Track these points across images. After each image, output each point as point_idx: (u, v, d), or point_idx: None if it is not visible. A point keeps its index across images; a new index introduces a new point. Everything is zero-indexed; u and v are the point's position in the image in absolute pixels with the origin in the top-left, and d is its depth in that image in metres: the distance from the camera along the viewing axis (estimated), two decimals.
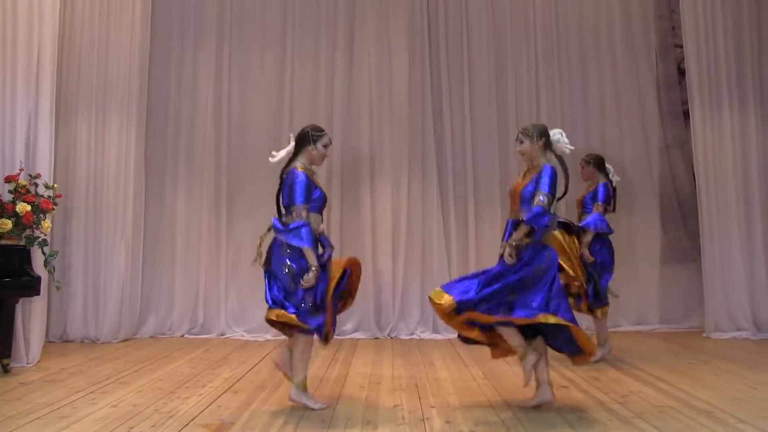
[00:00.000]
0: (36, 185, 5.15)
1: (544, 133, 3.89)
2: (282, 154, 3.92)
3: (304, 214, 3.68)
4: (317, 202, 3.79)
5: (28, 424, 3.50)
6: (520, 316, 3.59)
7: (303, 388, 3.81)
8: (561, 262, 4.85)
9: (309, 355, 3.85)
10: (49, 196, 5.16)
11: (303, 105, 7.06)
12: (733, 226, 6.54)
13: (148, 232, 6.87)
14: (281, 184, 3.84)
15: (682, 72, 7.05)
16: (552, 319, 3.57)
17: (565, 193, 3.91)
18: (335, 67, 7.09)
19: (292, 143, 3.93)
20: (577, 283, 4.96)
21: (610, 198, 5.30)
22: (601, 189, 5.26)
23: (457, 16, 7.22)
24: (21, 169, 5.12)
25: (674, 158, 7.21)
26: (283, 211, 3.80)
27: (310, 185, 3.75)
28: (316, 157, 3.90)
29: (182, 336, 6.74)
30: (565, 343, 3.74)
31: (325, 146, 3.93)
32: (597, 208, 5.21)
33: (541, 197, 3.66)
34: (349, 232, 6.91)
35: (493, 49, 7.18)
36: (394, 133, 7.01)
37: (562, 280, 4.96)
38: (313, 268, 3.61)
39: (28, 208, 4.92)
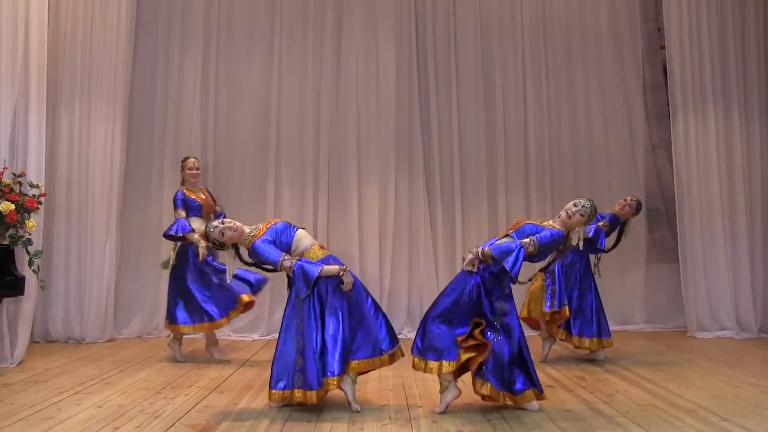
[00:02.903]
0: (20, 184, 5.09)
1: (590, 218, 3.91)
2: (231, 267, 4.00)
3: (288, 264, 3.73)
4: (283, 234, 3.86)
5: (12, 425, 3.47)
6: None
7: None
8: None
9: None
10: (34, 195, 5.11)
11: (290, 105, 7.05)
12: (717, 225, 6.60)
13: (134, 231, 6.82)
14: (258, 261, 3.89)
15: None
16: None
17: (545, 268, 4.08)
18: (323, 68, 7.07)
19: (228, 252, 3.94)
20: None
21: (614, 228, 5.39)
22: (610, 215, 5.38)
23: (444, 18, 7.22)
24: (4, 168, 5.06)
25: (660, 159, 7.27)
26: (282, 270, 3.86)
27: (269, 240, 3.81)
28: (231, 233, 3.85)
29: (168, 336, 6.70)
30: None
31: (222, 230, 3.83)
32: (603, 226, 5.28)
33: (528, 241, 3.69)
34: (336, 233, 6.91)
35: (481, 49, 7.20)
36: (381, 133, 7.01)
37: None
38: (340, 270, 3.74)
39: (12, 207, 4.86)
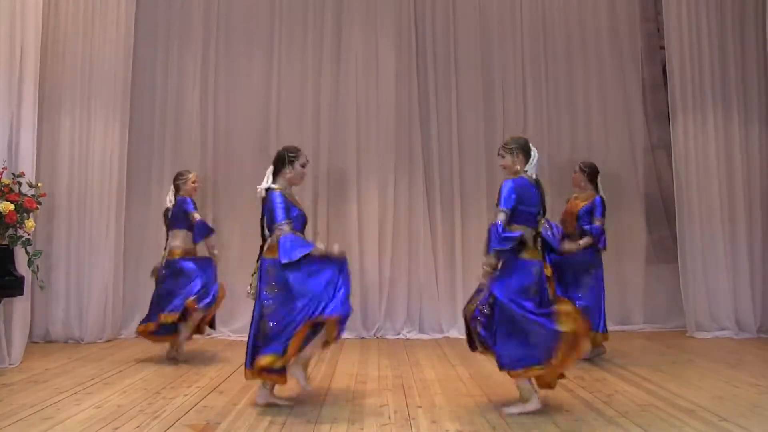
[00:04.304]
0: (19, 184, 5.09)
1: (524, 148, 3.90)
2: (264, 183, 4.01)
3: (287, 229, 3.79)
4: (297, 221, 3.91)
5: (11, 425, 3.47)
6: None
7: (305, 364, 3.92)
8: None
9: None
10: (33, 195, 5.11)
11: (290, 105, 7.04)
12: (717, 226, 6.61)
13: (133, 231, 6.81)
14: (263, 207, 3.96)
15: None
16: None
17: (543, 213, 3.92)
18: (322, 68, 7.07)
19: (271, 167, 4.04)
20: None
21: (605, 211, 5.41)
22: (598, 204, 5.38)
23: (444, 18, 7.22)
24: (4, 168, 5.06)
25: (659, 159, 7.27)
26: (267, 233, 3.93)
27: (288, 204, 3.88)
28: (294, 177, 4.03)
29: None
30: None
31: (303, 166, 4.04)
32: (599, 222, 5.32)
33: (494, 215, 3.74)
34: (336, 232, 6.90)
35: (480, 49, 7.20)
36: (381, 134, 7.01)
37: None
38: (320, 247, 3.81)
39: (12, 207, 4.85)
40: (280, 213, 3.82)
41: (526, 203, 3.75)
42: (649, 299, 7.05)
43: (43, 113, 6.05)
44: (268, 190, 3.96)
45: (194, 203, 5.46)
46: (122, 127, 6.64)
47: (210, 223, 5.74)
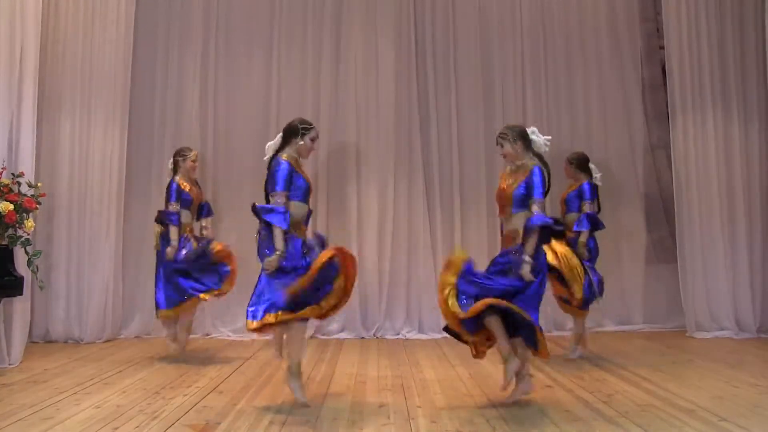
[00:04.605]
0: (19, 184, 5.09)
1: (521, 134, 3.96)
2: (270, 145, 4.09)
3: (281, 200, 3.84)
4: (299, 189, 3.95)
5: (11, 425, 3.47)
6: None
7: (296, 372, 3.91)
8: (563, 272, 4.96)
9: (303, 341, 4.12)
10: (33, 195, 5.11)
11: (289, 105, 7.02)
12: (716, 226, 6.61)
13: (133, 231, 6.80)
14: (268, 173, 4.00)
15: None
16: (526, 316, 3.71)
17: (548, 190, 3.97)
18: (322, 68, 7.07)
19: (280, 135, 4.10)
20: (576, 293, 5.04)
21: (595, 196, 5.49)
22: (586, 188, 5.46)
23: (444, 19, 7.22)
24: (3, 168, 5.06)
25: (659, 159, 7.27)
26: (270, 199, 3.97)
27: (292, 174, 3.92)
28: (303, 149, 4.08)
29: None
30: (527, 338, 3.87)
31: (313, 140, 4.10)
32: (588, 207, 5.39)
33: (535, 207, 3.78)
34: (335, 233, 6.89)
35: (480, 50, 7.19)
36: (381, 134, 7.00)
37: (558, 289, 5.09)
38: (278, 252, 3.77)
39: (11, 207, 4.85)
40: (281, 182, 3.86)
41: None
42: (649, 299, 7.05)
43: (43, 113, 6.06)
44: (275, 156, 3.99)
45: (178, 193, 5.37)
46: (122, 127, 6.64)
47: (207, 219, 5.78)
